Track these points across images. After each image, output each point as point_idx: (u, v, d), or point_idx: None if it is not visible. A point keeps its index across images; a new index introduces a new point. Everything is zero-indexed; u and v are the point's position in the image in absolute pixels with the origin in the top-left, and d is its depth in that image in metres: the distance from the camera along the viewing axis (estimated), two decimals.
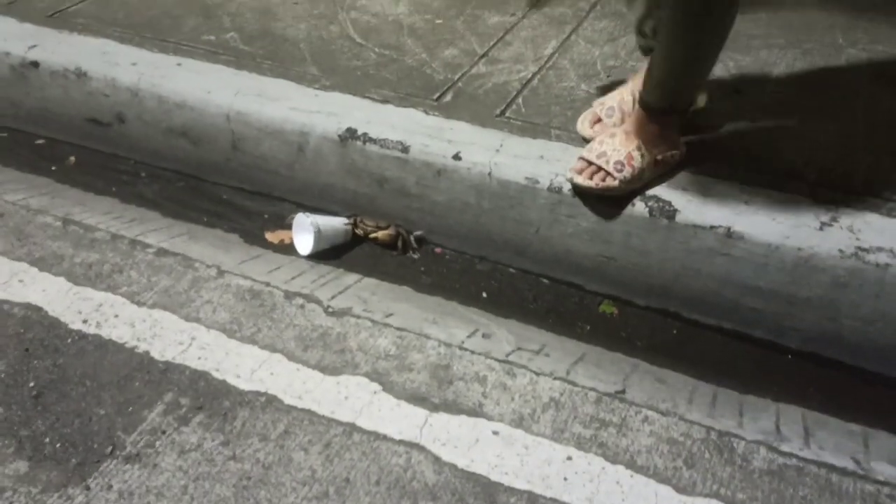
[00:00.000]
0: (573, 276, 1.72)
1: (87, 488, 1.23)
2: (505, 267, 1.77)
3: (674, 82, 1.49)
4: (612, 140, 1.57)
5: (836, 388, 1.50)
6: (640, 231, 1.59)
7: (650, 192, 1.58)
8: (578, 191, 1.58)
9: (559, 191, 1.62)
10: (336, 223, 1.77)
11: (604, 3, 2.30)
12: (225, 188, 1.99)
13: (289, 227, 1.80)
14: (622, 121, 1.64)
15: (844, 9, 2.25)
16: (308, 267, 1.71)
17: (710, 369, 1.52)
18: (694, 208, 1.55)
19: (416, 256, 1.78)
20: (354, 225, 1.79)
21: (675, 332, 1.63)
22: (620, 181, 1.53)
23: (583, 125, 1.72)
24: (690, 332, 1.62)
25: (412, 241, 1.80)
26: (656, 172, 1.58)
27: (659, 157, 1.57)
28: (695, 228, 1.54)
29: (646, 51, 1.69)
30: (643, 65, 1.62)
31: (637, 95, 1.61)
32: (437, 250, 1.82)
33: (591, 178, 1.54)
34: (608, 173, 1.53)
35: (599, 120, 1.70)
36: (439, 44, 2.09)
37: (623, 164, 1.53)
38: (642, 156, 1.54)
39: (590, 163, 1.56)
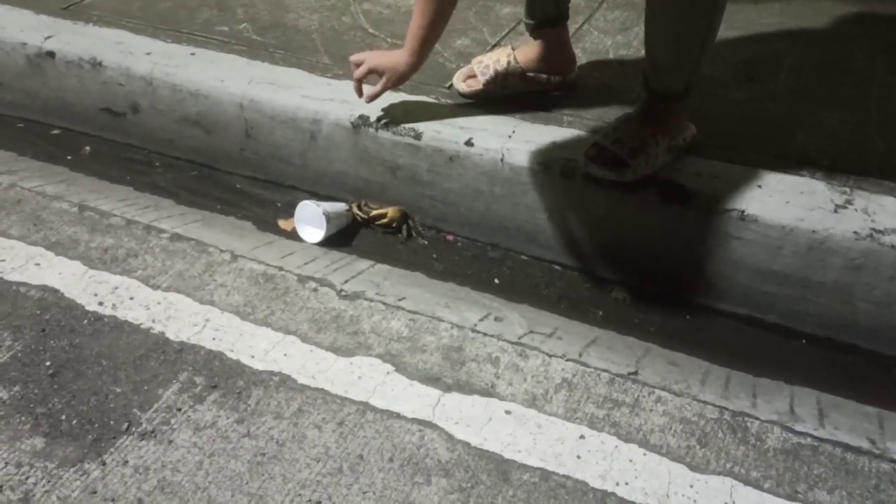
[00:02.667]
0: (585, 262, 1.72)
1: (104, 463, 1.23)
2: (517, 254, 1.77)
3: (690, 63, 1.48)
4: (625, 126, 1.57)
5: (851, 371, 1.49)
6: (652, 216, 1.59)
7: (662, 176, 1.58)
8: (593, 178, 1.58)
9: (571, 176, 1.62)
10: (339, 208, 1.79)
11: None
12: (238, 177, 2.00)
13: None
14: (494, 78, 1.76)
15: None
16: (321, 253, 1.72)
17: (723, 353, 1.52)
18: (707, 192, 1.55)
19: (424, 242, 1.79)
20: (358, 208, 1.80)
21: (688, 317, 1.63)
22: (634, 168, 1.53)
23: (457, 80, 1.82)
24: (703, 318, 1.62)
25: (417, 225, 1.81)
26: (670, 157, 1.58)
27: (672, 143, 1.57)
28: (707, 213, 1.54)
29: (532, 31, 1.76)
30: (528, 38, 1.79)
31: (512, 61, 1.76)
32: (449, 237, 1.82)
33: (604, 165, 1.55)
34: (622, 160, 1.53)
35: (474, 76, 1.79)
36: (451, 34, 2.10)
37: (637, 151, 1.53)
38: (656, 142, 1.55)
39: (604, 149, 1.56)
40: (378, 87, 1.66)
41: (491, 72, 1.77)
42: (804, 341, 1.56)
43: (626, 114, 1.62)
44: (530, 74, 1.78)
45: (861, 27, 2.10)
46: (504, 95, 1.79)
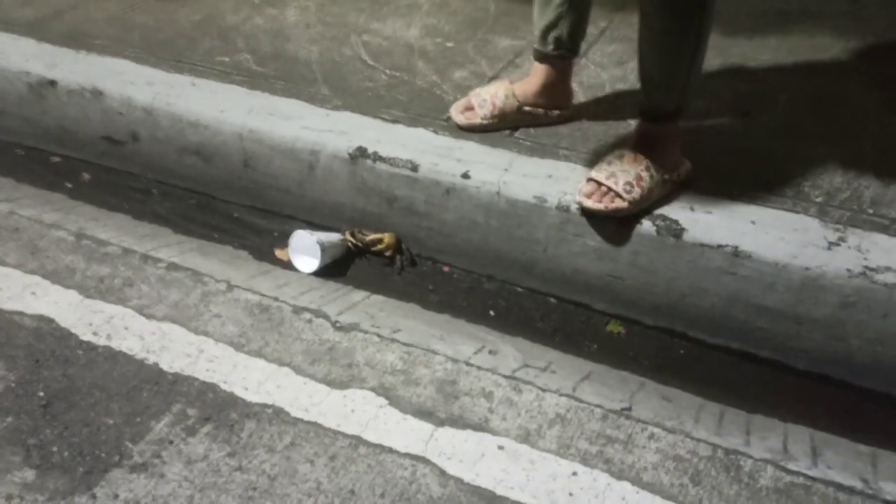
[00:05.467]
0: (581, 295, 1.72)
1: (94, 497, 1.23)
2: (513, 286, 1.78)
3: (680, 77, 1.53)
4: (620, 161, 1.58)
5: (845, 408, 1.49)
6: (647, 250, 1.59)
7: (657, 211, 1.59)
8: (587, 213, 1.59)
9: (567, 210, 1.63)
10: (334, 238, 1.80)
11: (613, 28, 2.33)
12: (236, 206, 2.01)
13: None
14: (492, 113, 1.78)
15: (854, 33, 2.27)
16: (317, 284, 1.73)
17: (717, 389, 1.52)
18: (701, 227, 1.55)
19: (420, 268, 1.79)
20: (352, 235, 1.81)
21: (682, 351, 1.63)
22: (630, 202, 1.54)
23: (455, 111, 1.83)
24: (698, 352, 1.62)
25: (411, 253, 1.82)
26: (665, 191, 1.59)
27: (666, 177, 1.58)
28: (702, 247, 1.54)
29: (541, 57, 1.76)
30: (525, 71, 1.85)
31: (510, 94, 1.78)
32: (445, 269, 1.83)
33: (600, 200, 1.55)
34: (617, 194, 1.55)
35: (472, 108, 1.81)
36: (449, 66, 2.12)
37: (632, 185, 1.54)
38: (651, 176, 1.56)
39: (599, 184, 1.57)
40: None
41: (489, 105, 1.79)
42: (798, 377, 1.55)
43: (621, 149, 1.63)
44: (527, 108, 1.79)
45: (857, 62, 2.12)
46: (501, 128, 1.80)
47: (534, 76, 1.79)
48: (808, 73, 2.08)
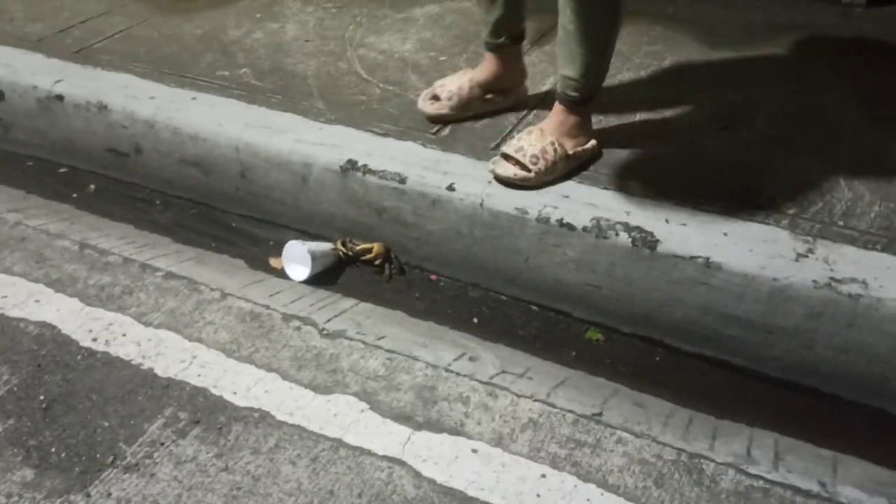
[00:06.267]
0: (561, 303, 1.78)
1: (88, 495, 1.31)
2: (497, 294, 1.84)
3: (597, 64, 1.70)
4: (528, 136, 1.75)
5: (812, 415, 1.54)
6: (623, 261, 1.65)
7: (633, 222, 1.64)
8: (499, 181, 1.74)
9: (547, 221, 1.69)
10: (325, 247, 1.87)
11: None
12: (234, 216, 2.08)
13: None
14: (459, 103, 1.93)
15: (841, 46, 2.32)
16: (307, 291, 1.80)
17: (690, 395, 1.57)
18: (675, 239, 1.61)
19: (407, 276, 1.88)
20: (343, 245, 1.88)
21: (658, 359, 1.68)
22: (535, 173, 1.71)
23: (423, 101, 1.97)
24: (673, 360, 1.68)
25: (399, 262, 1.90)
26: (570, 165, 1.76)
27: (571, 151, 1.74)
28: (676, 259, 1.60)
29: (496, 48, 1.92)
30: (482, 59, 1.97)
31: (474, 83, 1.93)
32: (433, 277, 1.89)
33: (509, 171, 1.72)
34: (524, 166, 1.70)
35: (438, 98, 1.95)
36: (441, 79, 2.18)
37: (538, 158, 1.71)
38: (555, 150, 1.72)
39: (508, 157, 1.72)
40: None
41: (455, 96, 1.94)
42: (769, 384, 1.61)
43: (532, 126, 1.78)
44: (489, 97, 1.96)
45: (838, 76, 2.16)
46: (467, 116, 1.97)
47: (492, 64, 1.95)
48: (791, 85, 2.13)
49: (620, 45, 2.33)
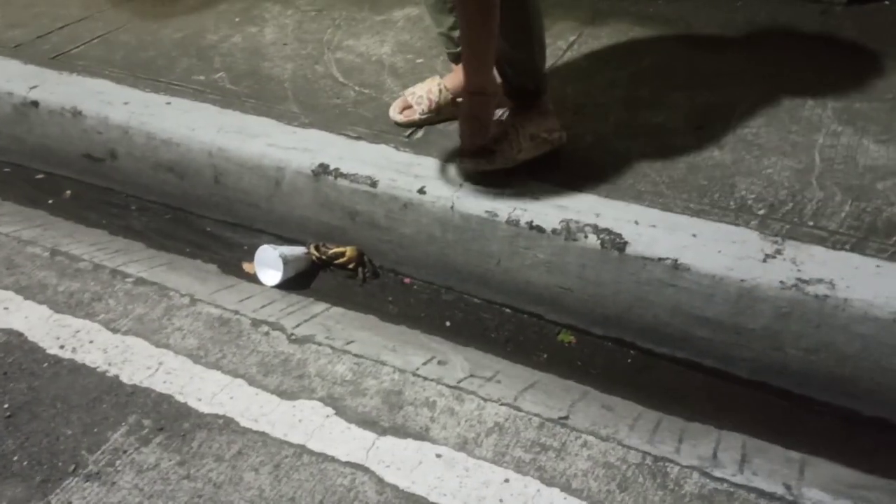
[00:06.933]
0: (533, 306, 1.77)
1: None
2: (470, 297, 1.83)
3: (533, 60, 1.74)
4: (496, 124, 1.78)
5: (782, 416, 1.53)
6: (593, 263, 1.64)
7: (602, 224, 1.63)
8: (468, 176, 1.77)
9: (517, 224, 1.68)
10: (298, 252, 1.86)
11: (580, 42, 2.38)
12: (209, 220, 2.08)
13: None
14: (429, 109, 1.94)
15: (820, 45, 2.30)
16: (279, 296, 1.79)
17: (660, 397, 1.56)
18: (644, 241, 1.60)
19: (380, 280, 1.87)
20: (316, 248, 1.87)
21: (629, 360, 1.67)
22: (500, 152, 1.74)
23: (394, 111, 1.98)
24: (645, 361, 1.67)
25: (373, 265, 1.89)
26: (535, 148, 1.78)
27: (533, 132, 1.77)
28: (644, 260, 1.59)
29: (456, 59, 1.94)
30: (453, 67, 1.99)
31: (443, 89, 1.95)
32: (406, 280, 1.89)
33: (474, 156, 1.75)
34: (487, 148, 1.74)
35: (409, 107, 1.96)
36: (417, 82, 2.16)
37: (500, 138, 1.75)
38: (517, 131, 1.76)
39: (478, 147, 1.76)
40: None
41: (425, 101, 1.95)
42: (740, 385, 1.60)
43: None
44: (460, 100, 1.91)
45: (818, 74, 2.15)
46: (438, 121, 1.97)
47: (458, 72, 1.92)
48: (768, 84, 2.12)
49: (598, 45, 2.34)
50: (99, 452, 1.39)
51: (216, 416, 1.45)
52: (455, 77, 1.95)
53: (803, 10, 2.54)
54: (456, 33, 1.89)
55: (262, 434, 1.42)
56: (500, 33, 1.59)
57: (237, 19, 2.60)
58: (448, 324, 1.76)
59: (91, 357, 1.58)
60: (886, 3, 2.56)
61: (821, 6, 2.55)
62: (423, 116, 1.94)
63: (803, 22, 2.46)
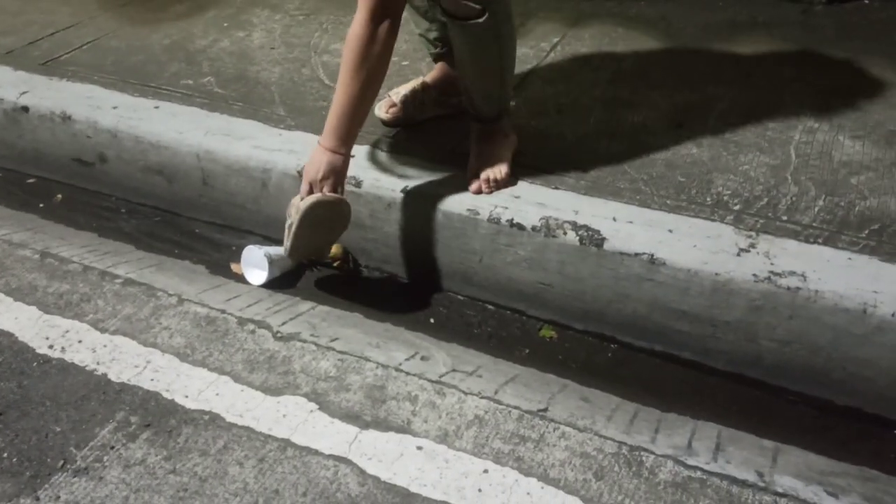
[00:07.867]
0: (515, 302, 1.81)
1: (37, 499, 1.33)
2: (454, 294, 1.86)
3: (493, 91, 1.79)
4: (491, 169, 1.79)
5: (757, 406, 1.56)
6: (572, 259, 1.68)
7: (581, 221, 1.67)
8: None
9: (498, 221, 1.71)
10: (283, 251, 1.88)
11: (564, 44, 2.41)
12: (198, 222, 2.11)
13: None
14: (413, 106, 2.00)
15: (801, 43, 2.34)
16: (265, 295, 1.82)
17: (638, 389, 1.59)
18: (621, 237, 1.63)
19: (366, 276, 1.91)
20: None
21: (609, 354, 1.71)
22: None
23: (379, 110, 2.00)
24: (624, 355, 1.70)
25: (357, 262, 1.93)
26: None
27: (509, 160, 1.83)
28: (622, 256, 1.62)
29: (438, 58, 2.03)
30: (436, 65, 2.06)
31: (427, 86, 2.01)
32: (390, 278, 1.92)
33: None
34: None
35: (394, 105, 2.00)
36: (401, 83, 2.20)
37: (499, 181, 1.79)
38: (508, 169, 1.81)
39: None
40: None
41: (409, 100, 1.99)
42: (716, 377, 1.63)
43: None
44: (442, 98, 2.01)
45: (798, 72, 2.18)
46: (423, 119, 2.02)
47: (442, 69, 2.03)
48: (748, 83, 2.16)
49: (580, 46, 2.37)
50: (87, 448, 1.42)
51: (202, 412, 1.48)
52: (437, 74, 2.02)
53: (784, 9, 2.58)
54: (433, 35, 1.96)
55: (247, 429, 1.45)
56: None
57: (226, 24, 2.64)
58: (432, 320, 1.79)
59: (80, 356, 1.60)
60: (866, 2, 2.60)
61: (801, 6, 2.59)
62: (407, 115, 1.98)
63: (784, 21, 2.50)
